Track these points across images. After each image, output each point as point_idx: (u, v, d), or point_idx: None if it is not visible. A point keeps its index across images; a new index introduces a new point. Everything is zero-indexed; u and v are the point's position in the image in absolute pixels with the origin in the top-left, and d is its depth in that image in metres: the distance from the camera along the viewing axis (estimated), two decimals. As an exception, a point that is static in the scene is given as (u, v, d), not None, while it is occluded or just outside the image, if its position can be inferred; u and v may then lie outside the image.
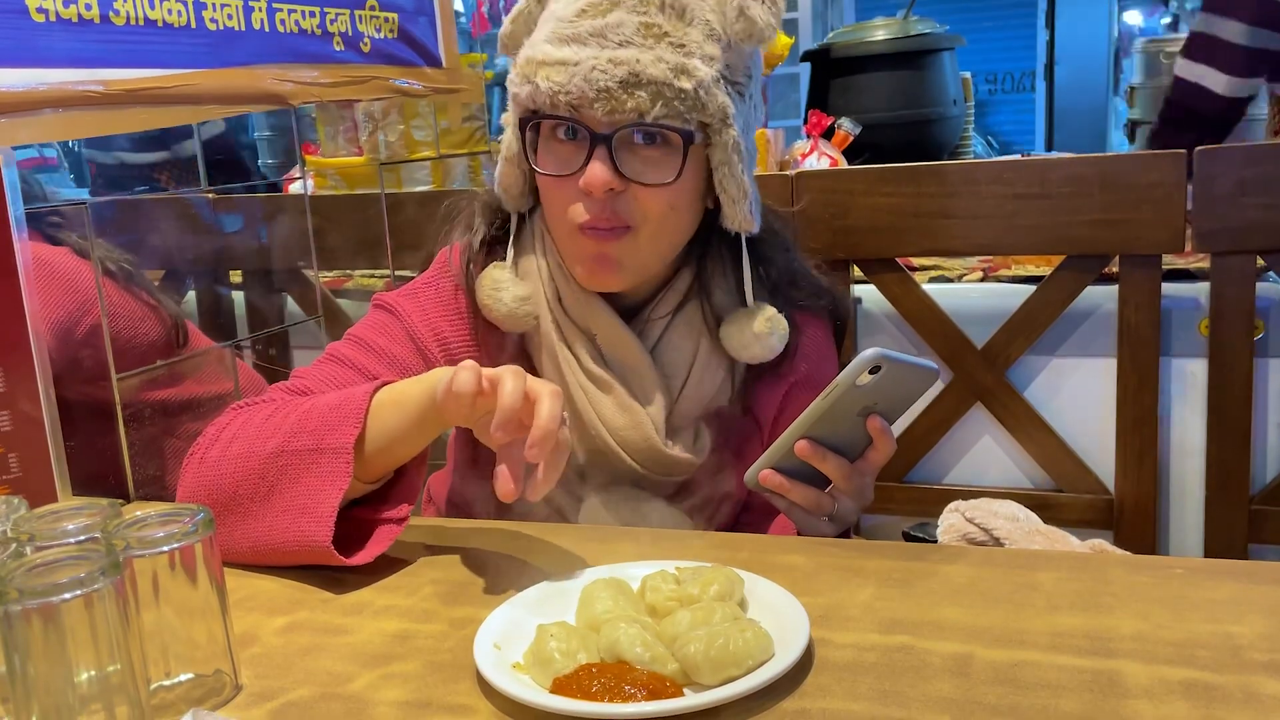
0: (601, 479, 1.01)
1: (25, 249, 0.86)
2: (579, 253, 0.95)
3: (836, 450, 0.88)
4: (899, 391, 0.88)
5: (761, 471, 0.89)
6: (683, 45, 0.89)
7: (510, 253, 1.01)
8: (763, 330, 0.97)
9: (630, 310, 1.01)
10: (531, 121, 0.93)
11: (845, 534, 1.02)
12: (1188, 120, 1.90)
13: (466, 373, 0.78)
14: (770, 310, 0.98)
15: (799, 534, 0.96)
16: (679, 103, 0.88)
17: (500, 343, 1.03)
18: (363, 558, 0.84)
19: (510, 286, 0.99)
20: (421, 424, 0.84)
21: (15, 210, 0.84)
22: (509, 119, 0.98)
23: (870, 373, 0.83)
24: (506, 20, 0.97)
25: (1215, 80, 1.82)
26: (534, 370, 1.01)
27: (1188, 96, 1.86)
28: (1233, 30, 1.79)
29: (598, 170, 0.89)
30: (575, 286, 0.99)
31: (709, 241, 1.01)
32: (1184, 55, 1.88)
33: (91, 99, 1.00)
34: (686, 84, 0.88)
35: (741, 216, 0.96)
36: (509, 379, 0.77)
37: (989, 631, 0.71)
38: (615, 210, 0.91)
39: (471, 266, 1.02)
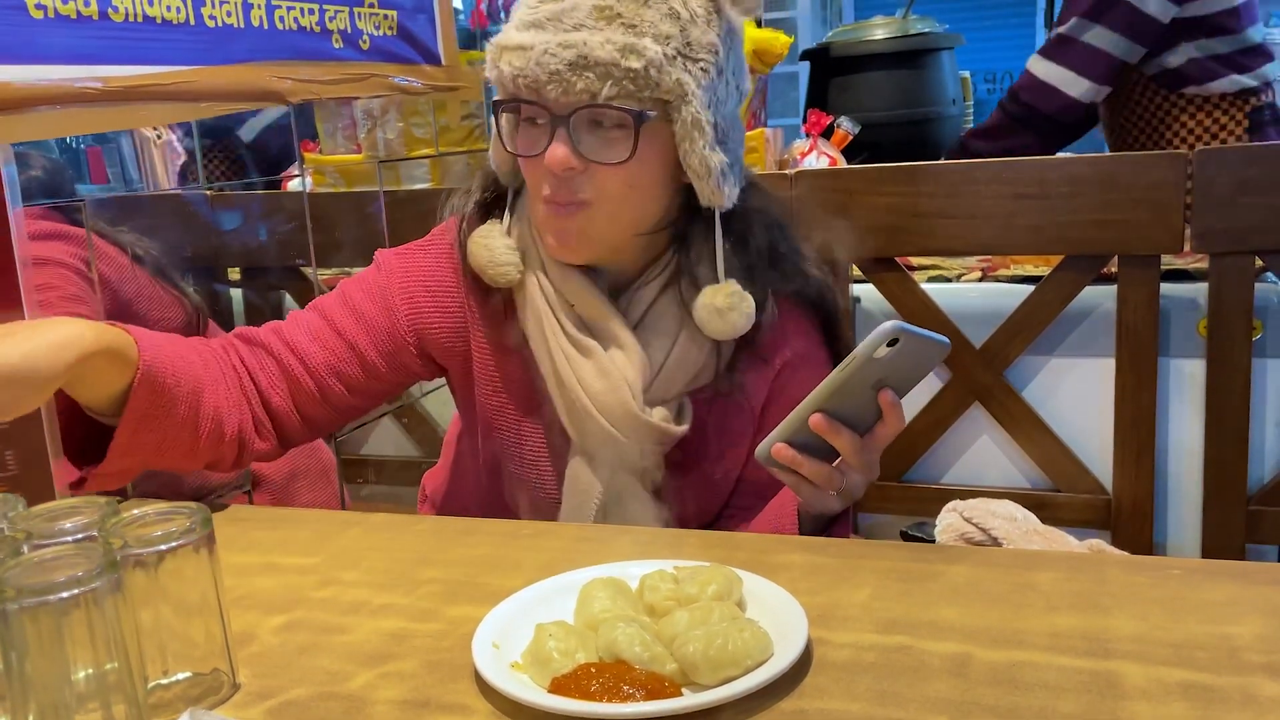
0: (586, 444, 1.03)
1: (24, 245, 0.85)
2: (545, 225, 0.99)
3: (847, 424, 0.89)
4: (912, 365, 0.89)
5: (774, 446, 0.89)
6: (634, 26, 0.91)
7: (506, 217, 1.05)
8: (723, 304, 0.97)
9: (619, 286, 1.04)
10: (502, 105, 0.98)
11: (844, 523, 1.03)
12: (1030, 119, 1.93)
13: None
14: (734, 285, 0.99)
15: (805, 510, 0.97)
16: (629, 82, 0.91)
17: (488, 304, 1.07)
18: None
19: (498, 241, 1.03)
20: None
21: (13, 206, 0.84)
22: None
23: (888, 345, 0.83)
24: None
25: (1073, 84, 1.86)
26: (521, 332, 1.05)
27: (1039, 97, 1.89)
28: (1104, 38, 1.83)
29: (557, 150, 0.93)
30: (558, 265, 1.02)
31: (691, 220, 1.02)
32: (1044, 56, 1.90)
33: (90, 96, 0.99)
34: (635, 63, 0.90)
35: (709, 191, 0.97)
36: None
37: (987, 632, 0.71)
38: (571, 188, 0.95)
39: (465, 224, 1.06)
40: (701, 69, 0.94)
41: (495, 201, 1.07)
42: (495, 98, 1.00)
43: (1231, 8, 1.82)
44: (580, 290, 1.01)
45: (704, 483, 1.08)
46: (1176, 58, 1.86)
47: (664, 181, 0.99)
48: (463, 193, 1.10)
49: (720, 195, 0.97)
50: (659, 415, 1.01)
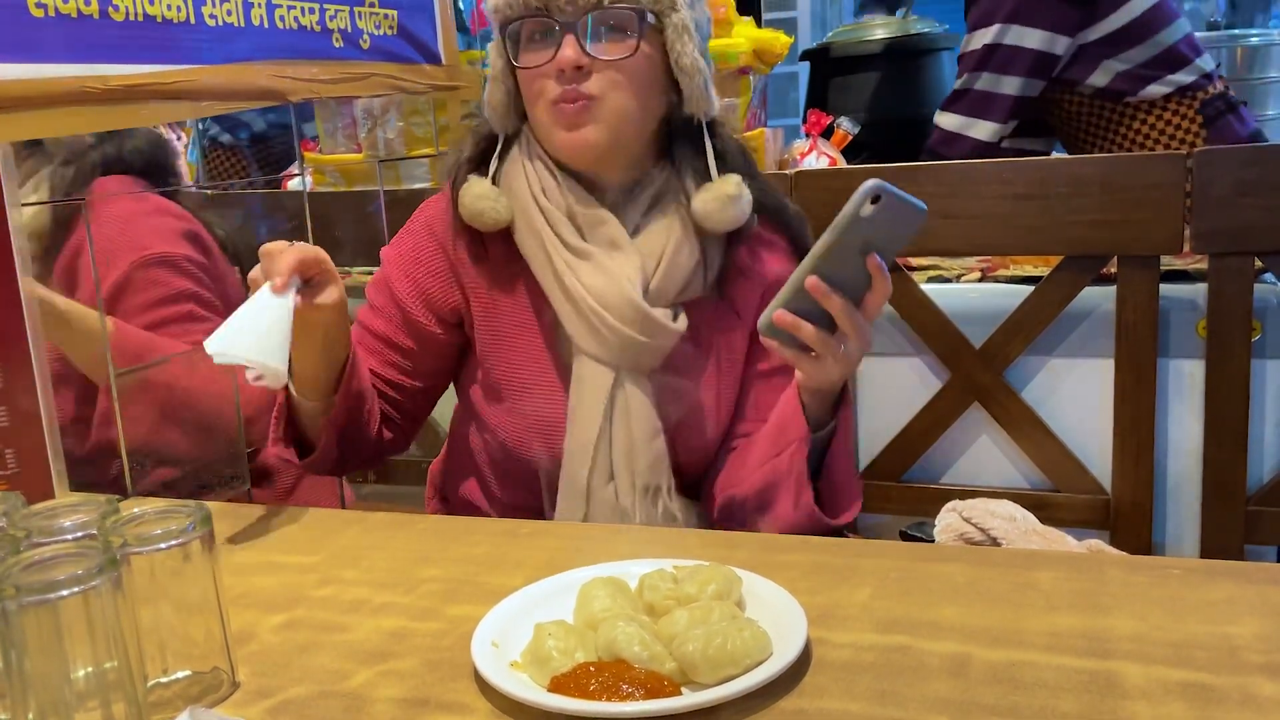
0: (592, 344, 1.09)
1: (23, 244, 0.85)
2: (552, 125, 1.07)
3: (840, 290, 0.93)
4: (894, 228, 0.92)
5: (775, 313, 0.94)
6: None
7: (493, 166, 1.13)
8: (733, 192, 1.07)
9: (612, 204, 1.12)
10: (511, 25, 1.07)
11: (845, 407, 1.07)
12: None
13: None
14: (737, 177, 1.08)
15: (807, 388, 1.03)
16: None
17: (484, 253, 1.15)
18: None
19: (485, 187, 1.11)
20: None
21: (12, 205, 0.84)
22: (494, 45, 1.12)
23: (871, 203, 0.87)
24: None
25: (977, 128, 1.90)
26: (517, 265, 1.13)
27: (949, 146, 1.93)
28: (997, 82, 1.88)
29: (567, 51, 1.03)
30: (557, 179, 1.10)
31: (675, 138, 1.12)
32: (945, 109, 1.94)
33: (91, 95, 0.99)
34: None
35: (698, 92, 1.08)
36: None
37: (987, 632, 0.71)
38: (581, 88, 1.04)
39: (457, 177, 1.14)
40: None
41: (483, 158, 1.15)
42: (499, 20, 1.08)
43: (1135, 19, 1.83)
44: (580, 199, 1.10)
45: (706, 404, 1.13)
46: (1102, 76, 1.88)
47: (658, 83, 1.09)
48: (454, 152, 1.19)
49: (707, 98, 1.09)
50: (659, 312, 1.08)
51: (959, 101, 1.90)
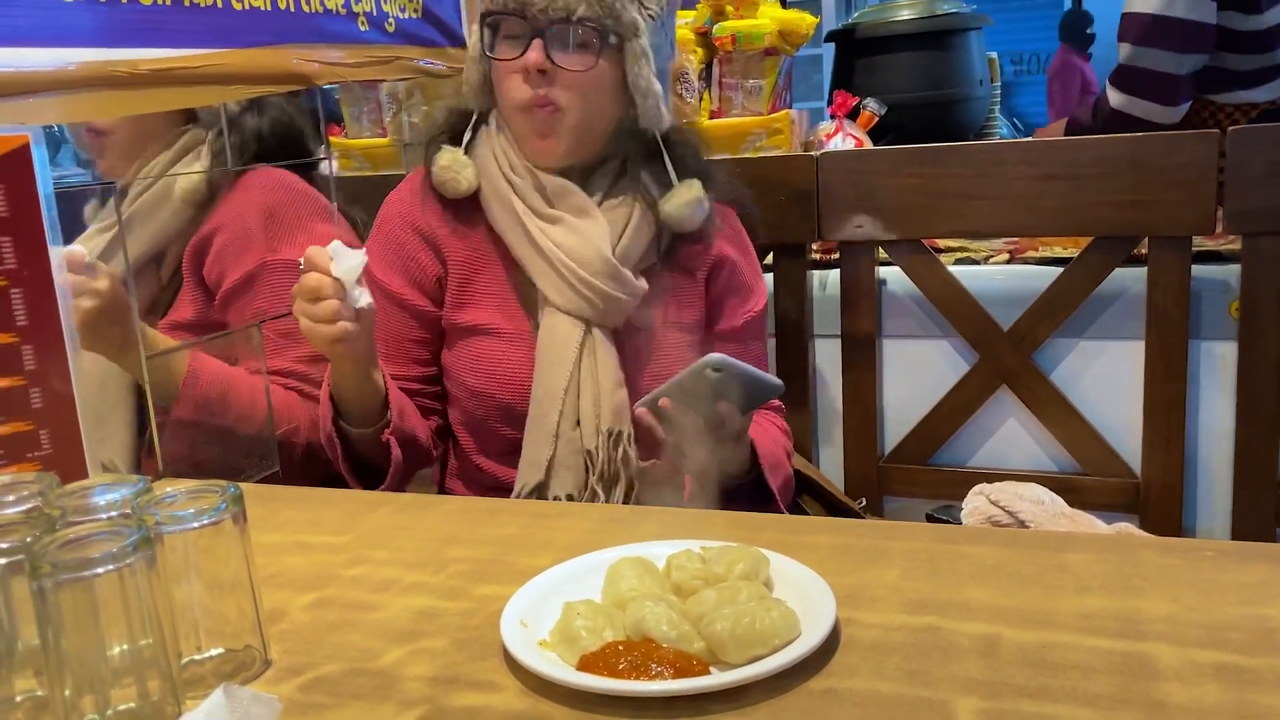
0: (562, 298, 1.19)
1: (55, 227, 0.86)
2: (521, 129, 1.20)
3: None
4: (746, 392, 1.08)
5: (659, 400, 1.07)
6: None
7: (466, 137, 1.24)
8: (694, 197, 1.22)
9: (575, 183, 1.22)
10: (490, 17, 1.19)
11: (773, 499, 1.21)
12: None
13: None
14: (698, 185, 1.23)
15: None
16: (599, 7, 1.15)
17: (455, 224, 1.25)
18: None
19: (452, 157, 1.22)
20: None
21: (45, 189, 0.85)
22: (474, 29, 1.23)
23: (713, 370, 1.04)
24: None
25: (1155, 112, 1.83)
26: (487, 232, 1.24)
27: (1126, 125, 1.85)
28: (1164, 60, 1.80)
29: (534, 54, 1.15)
30: (521, 164, 1.21)
31: (630, 144, 1.24)
32: (1116, 87, 1.86)
33: (119, 79, 1.00)
34: None
35: (650, 111, 1.20)
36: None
37: (1017, 612, 0.70)
38: (547, 94, 1.16)
39: (430, 147, 1.25)
40: (650, 15, 1.20)
41: (455, 130, 1.26)
42: (483, 9, 1.20)
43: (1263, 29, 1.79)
44: (548, 176, 1.21)
45: (664, 359, 1.24)
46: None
47: (615, 96, 1.20)
48: (429, 126, 1.32)
49: (660, 117, 1.21)
50: (627, 271, 1.19)
51: (1119, 76, 1.85)
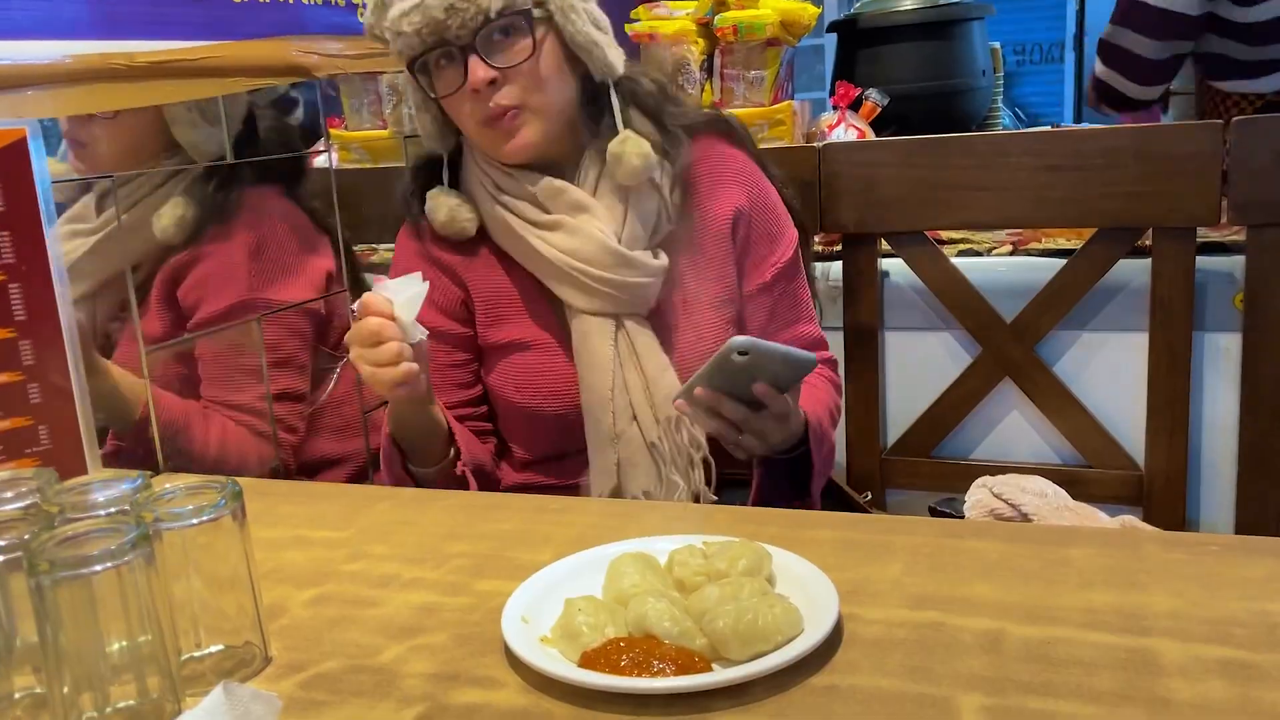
0: (585, 301, 1.15)
1: (54, 220, 0.86)
2: (491, 143, 1.15)
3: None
4: (779, 369, 1.03)
5: (696, 389, 1.03)
6: None
7: (445, 176, 1.21)
8: (617, 150, 1.14)
9: (565, 177, 1.18)
10: (417, 61, 1.13)
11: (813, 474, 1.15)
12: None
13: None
14: (627, 133, 1.15)
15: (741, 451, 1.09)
16: None
17: (467, 245, 1.21)
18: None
19: (445, 197, 1.19)
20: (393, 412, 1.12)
21: (42, 183, 0.84)
22: (407, 80, 1.17)
23: (739, 354, 0.98)
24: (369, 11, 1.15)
25: (1130, 89, 1.91)
26: (494, 256, 1.21)
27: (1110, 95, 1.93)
28: (1139, 43, 1.86)
29: (476, 70, 1.09)
30: (509, 172, 1.17)
31: (596, 107, 1.18)
32: (1099, 57, 1.92)
33: (117, 72, 0.99)
34: None
35: (599, 63, 1.14)
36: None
37: (1020, 608, 0.70)
38: (499, 101, 1.10)
39: (411, 200, 1.22)
40: None
41: (430, 178, 1.22)
42: (405, 61, 1.13)
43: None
44: (536, 182, 1.16)
45: (705, 326, 1.19)
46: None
47: (564, 65, 1.14)
48: (401, 184, 1.26)
49: (608, 67, 1.15)
50: (639, 254, 1.15)
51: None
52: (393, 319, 0.98)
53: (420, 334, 1.00)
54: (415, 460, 1.12)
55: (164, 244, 1.32)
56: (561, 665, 0.64)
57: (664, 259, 1.17)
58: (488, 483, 1.18)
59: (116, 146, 1.28)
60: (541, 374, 1.18)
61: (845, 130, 1.78)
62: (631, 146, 1.13)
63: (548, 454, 1.21)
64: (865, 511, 1.36)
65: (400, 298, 0.98)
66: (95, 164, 1.31)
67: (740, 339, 0.98)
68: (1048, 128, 2.01)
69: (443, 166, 1.21)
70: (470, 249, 1.21)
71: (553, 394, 1.17)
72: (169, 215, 1.30)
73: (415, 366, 0.99)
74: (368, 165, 1.93)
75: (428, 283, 0.99)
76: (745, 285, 1.23)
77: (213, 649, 0.69)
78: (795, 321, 1.26)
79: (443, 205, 1.18)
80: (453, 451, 1.13)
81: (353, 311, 1.01)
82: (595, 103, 1.18)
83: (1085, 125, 2.01)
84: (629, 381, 1.14)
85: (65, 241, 1.32)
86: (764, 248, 1.23)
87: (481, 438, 1.22)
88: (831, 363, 1.31)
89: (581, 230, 1.14)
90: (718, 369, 1.00)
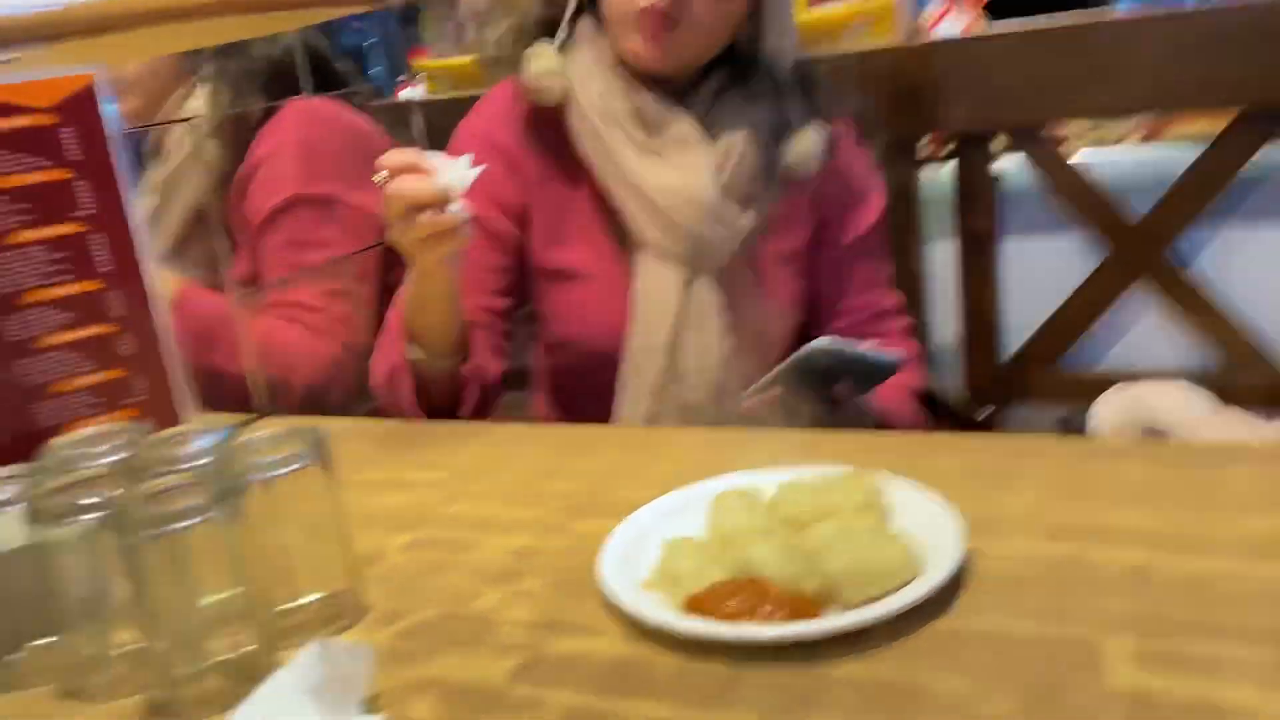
0: (662, 241, 1.09)
1: (131, 168, 0.84)
2: (640, 33, 1.06)
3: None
4: (862, 372, 0.99)
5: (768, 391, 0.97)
6: None
7: (561, 33, 1.13)
8: (816, 146, 1.12)
9: (678, 95, 1.12)
10: None
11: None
12: None
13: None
14: (815, 132, 1.12)
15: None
16: None
17: (542, 136, 1.14)
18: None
19: (548, 63, 1.10)
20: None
21: (115, 129, 0.83)
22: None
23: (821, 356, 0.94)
24: None
25: None
26: (577, 159, 1.12)
27: None
28: None
29: None
30: (620, 81, 1.10)
31: (745, 67, 1.14)
32: None
33: (186, 10, 0.96)
34: None
35: (776, 42, 1.11)
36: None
37: (1172, 538, 0.63)
38: (667, 11, 1.04)
39: (518, 44, 1.14)
40: None
41: (552, 24, 1.14)
42: None
43: None
44: (645, 97, 1.10)
45: (778, 297, 1.16)
46: None
47: (731, 18, 1.09)
48: (516, 15, 1.17)
49: (786, 48, 1.11)
50: (731, 208, 1.09)
51: None
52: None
53: (464, 216, 0.90)
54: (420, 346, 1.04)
55: (221, 163, 1.31)
56: (664, 613, 0.60)
57: (751, 218, 1.11)
58: (487, 399, 1.09)
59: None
60: (590, 308, 1.12)
61: (954, 21, 1.66)
62: (814, 147, 1.12)
63: (571, 391, 1.16)
64: (985, 429, 1.30)
65: (452, 172, 0.89)
66: (128, 80, 1.30)
67: (823, 341, 0.94)
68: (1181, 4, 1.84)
69: (565, 19, 1.13)
70: (544, 145, 1.14)
71: (598, 332, 1.11)
72: (210, 130, 1.30)
73: (462, 215, 0.89)
74: (453, 94, 1.89)
75: (479, 168, 0.89)
76: (823, 246, 1.19)
77: (311, 598, 0.68)
78: (871, 288, 1.21)
79: (544, 57, 1.10)
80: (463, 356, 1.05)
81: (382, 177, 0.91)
82: (747, 65, 1.14)
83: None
84: (684, 340, 1.08)
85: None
86: (851, 208, 1.19)
87: (494, 355, 1.12)
88: (909, 329, 1.25)
89: (685, 167, 1.08)
90: (796, 369, 0.95)
